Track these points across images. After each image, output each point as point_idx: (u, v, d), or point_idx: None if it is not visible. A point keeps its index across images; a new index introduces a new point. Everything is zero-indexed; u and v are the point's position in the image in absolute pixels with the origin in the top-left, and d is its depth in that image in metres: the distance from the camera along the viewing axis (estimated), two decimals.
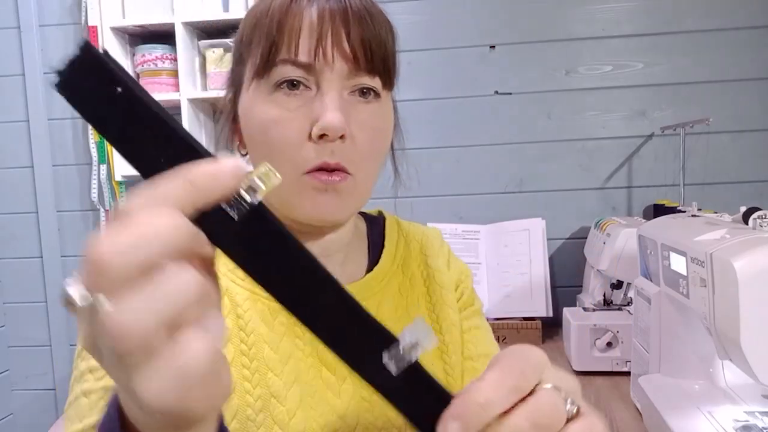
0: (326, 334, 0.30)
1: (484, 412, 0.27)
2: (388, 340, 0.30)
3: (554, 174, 1.69)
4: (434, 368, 0.59)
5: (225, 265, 0.55)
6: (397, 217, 0.67)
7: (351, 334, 0.30)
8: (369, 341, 0.30)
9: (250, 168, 0.27)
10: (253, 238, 0.28)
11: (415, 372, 0.30)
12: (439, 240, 0.67)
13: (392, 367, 0.30)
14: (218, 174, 0.24)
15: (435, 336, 0.29)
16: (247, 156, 0.57)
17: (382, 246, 0.62)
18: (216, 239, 0.28)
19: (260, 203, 0.28)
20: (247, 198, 0.27)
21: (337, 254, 0.58)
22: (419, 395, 0.31)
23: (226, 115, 0.57)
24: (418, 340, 0.29)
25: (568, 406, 0.28)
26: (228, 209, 0.27)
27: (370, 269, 0.60)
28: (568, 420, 0.28)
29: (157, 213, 0.23)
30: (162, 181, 0.24)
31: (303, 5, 0.48)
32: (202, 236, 0.25)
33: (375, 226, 0.65)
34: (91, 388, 0.47)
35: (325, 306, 0.30)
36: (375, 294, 0.58)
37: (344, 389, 0.53)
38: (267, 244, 0.29)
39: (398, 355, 0.30)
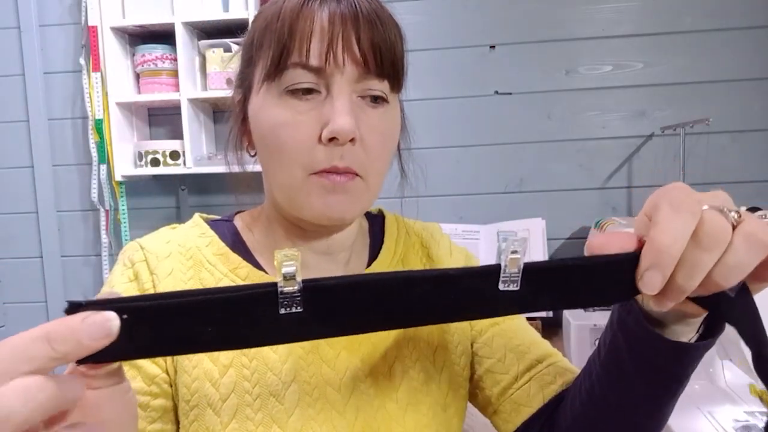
0: (445, 314, 0.32)
1: (673, 250, 0.31)
2: (490, 273, 0.31)
3: (554, 174, 1.69)
4: (438, 358, 0.59)
5: (225, 265, 0.55)
6: (397, 214, 0.68)
7: (461, 296, 0.32)
8: (479, 289, 0.32)
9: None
10: (328, 309, 0.30)
11: (536, 272, 0.32)
12: (439, 232, 0.68)
13: (513, 287, 0.32)
14: (76, 329, 0.27)
15: (516, 232, 0.31)
16: (256, 156, 0.57)
17: (383, 242, 0.63)
18: (300, 336, 0.30)
19: (304, 280, 0.29)
20: (294, 287, 0.29)
21: (342, 253, 0.59)
22: (562, 284, 0.33)
23: (235, 116, 0.58)
24: (509, 247, 0.31)
25: (732, 215, 0.32)
26: (289, 309, 0.29)
27: (370, 265, 0.60)
28: (735, 227, 0.32)
29: (7, 388, 0.25)
30: (20, 341, 0.26)
31: (314, 9, 0.49)
32: (66, 388, 0.27)
33: (375, 224, 0.65)
34: None
35: (423, 299, 0.31)
36: None
37: (344, 384, 0.53)
38: (343, 301, 0.30)
39: (508, 273, 0.31)
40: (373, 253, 0.62)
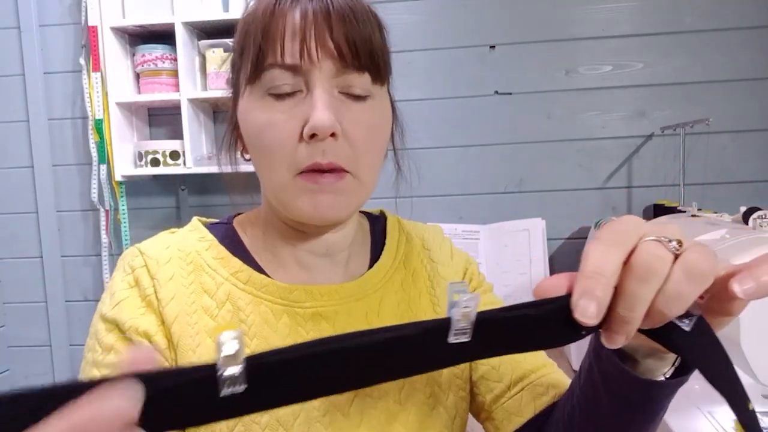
0: (397, 372, 0.31)
1: (599, 277, 0.31)
2: (441, 328, 0.31)
3: (554, 174, 1.69)
4: None
5: (226, 269, 0.55)
6: (398, 216, 0.68)
7: (412, 354, 0.31)
8: (430, 344, 0.31)
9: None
10: (274, 383, 0.29)
11: (487, 323, 0.31)
12: (441, 235, 0.67)
13: (463, 338, 0.31)
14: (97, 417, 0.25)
15: (467, 284, 0.31)
16: (250, 159, 0.57)
17: (384, 244, 0.63)
18: (244, 411, 0.29)
19: (247, 358, 0.28)
20: (236, 370, 0.27)
21: (341, 254, 0.59)
22: (510, 331, 0.33)
23: (228, 121, 0.58)
24: (460, 301, 0.30)
25: (672, 244, 0.32)
26: (231, 390, 0.28)
27: (372, 266, 0.60)
28: (677, 257, 0.32)
29: None
30: None
31: (286, 9, 0.49)
32: None
33: (377, 225, 0.65)
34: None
35: (374, 362, 0.31)
36: (377, 290, 0.58)
37: None
38: (289, 375, 0.29)
39: (459, 327, 0.31)
40: (375, 255, 0.62)
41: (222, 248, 0.56)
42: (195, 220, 0.60)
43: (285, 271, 0.57)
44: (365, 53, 0.50)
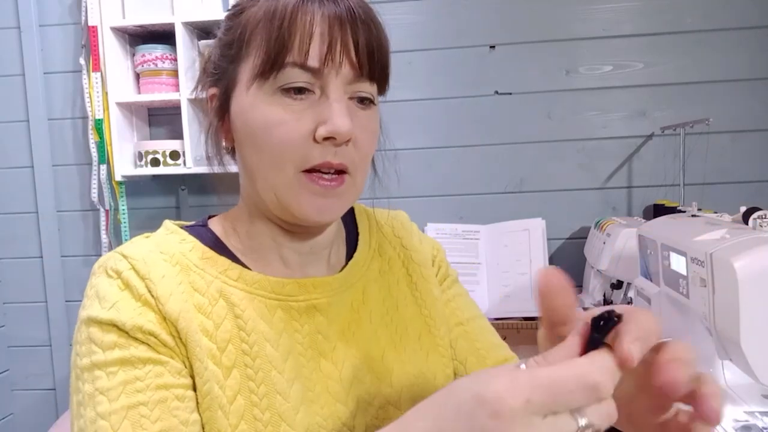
0: None
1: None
2: None
3: (554, 174, 1.69)
4: (423, 342, 0.61)
5: (214, 268, 0.54)
6: (362, 204, 0.69)
7: None
8: None
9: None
10: None
11: None
12: (408, 221, 0.70)
13: None
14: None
15: None
16: (233, 150, 0.57)
17: (356, 233, 0.65)
18: None
19: None
20: None
21: (324, 251, 0.60)
22: None
23: (214, 111, 0.56)
24: None
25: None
26: None
27: (349, 256, 0.62)
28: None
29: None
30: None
31: (313, 9, 0.49)
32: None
33: (346, 215, 0.66)
34: (108, 410, 0.45)
35: None
36: (359, 279, 0.60)
37: (344, 376, 0.54)
38: None
39: None
40: (350, 246, 0.63)
41: (206, 248, 0.55)
42: (168, 223, 0.58)
43: (271, 270, 0.57)
44: (380, 65, 0.52)
